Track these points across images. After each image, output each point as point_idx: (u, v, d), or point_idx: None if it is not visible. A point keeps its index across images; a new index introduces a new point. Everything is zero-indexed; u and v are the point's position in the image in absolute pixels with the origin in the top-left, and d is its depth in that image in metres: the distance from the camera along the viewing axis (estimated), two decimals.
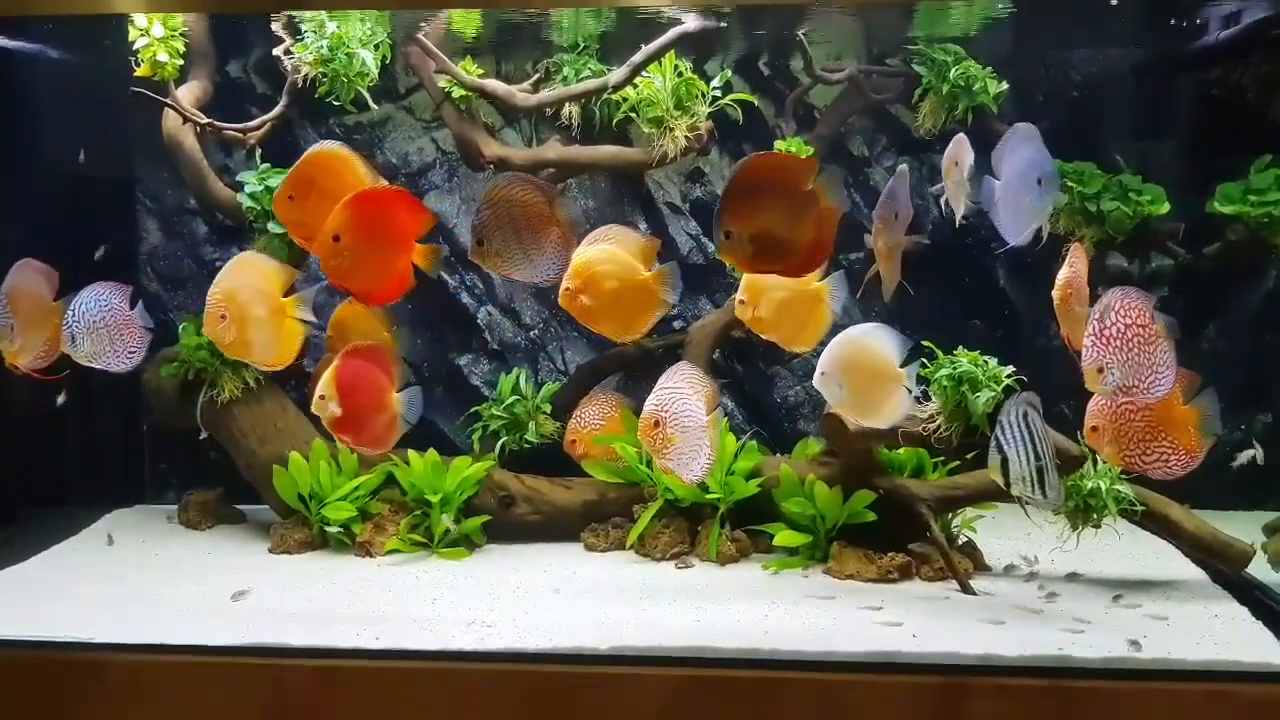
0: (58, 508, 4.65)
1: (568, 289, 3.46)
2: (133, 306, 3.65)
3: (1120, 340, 3.19)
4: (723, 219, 3.01)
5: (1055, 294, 3.52)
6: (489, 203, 3.46)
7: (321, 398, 3.48)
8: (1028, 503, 3.22)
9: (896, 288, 3.46)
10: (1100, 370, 3.21)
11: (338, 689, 3.14)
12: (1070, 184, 4.07)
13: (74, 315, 3.56)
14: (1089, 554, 3.81)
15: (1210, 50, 4.36)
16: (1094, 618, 3.40)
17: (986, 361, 3.63)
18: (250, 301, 3.57)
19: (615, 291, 3.45)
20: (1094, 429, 3.44)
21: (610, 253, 3.45)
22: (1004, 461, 3.14)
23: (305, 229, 3.61)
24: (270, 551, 4.16)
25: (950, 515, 3.92)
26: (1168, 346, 3.20)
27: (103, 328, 3.56)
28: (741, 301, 3.64)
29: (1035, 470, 3.11)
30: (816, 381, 3.41)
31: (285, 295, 3.65)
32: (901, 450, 3.99)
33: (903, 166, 3.38)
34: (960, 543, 3.94)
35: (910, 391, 3.38)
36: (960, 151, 3.45)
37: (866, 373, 3.38)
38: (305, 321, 3.64)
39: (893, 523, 3.83)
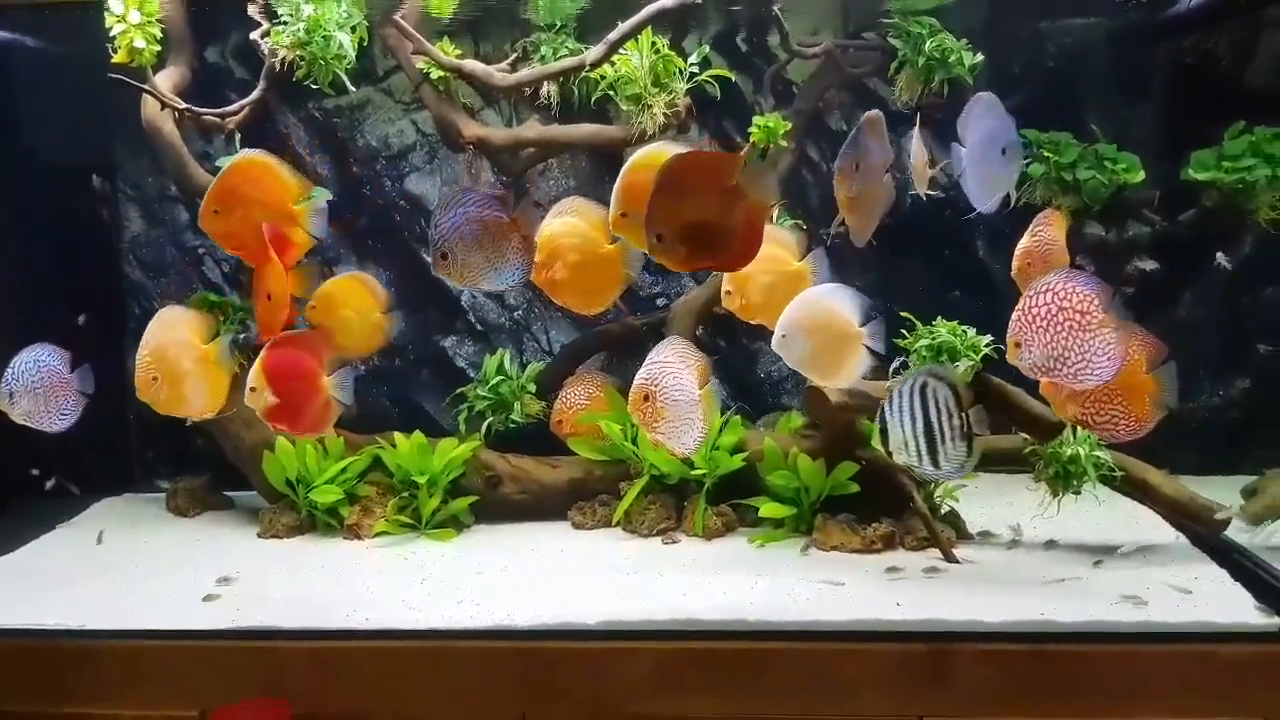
0: (47, 497, 4.65)
1: (536, 263, 3.47)
2: (72, 370, 3.68)
3: (1046, 321, 3.14)
4: (652, 223, 2.99)
5: (1015, 263, 3.54)
6: (446, 216, 3.43)
7: (253, 389, 3.48)
8: (917, 471, 3.24)
9: (864, 234, 3.42)
10: (1018, 345, 3.20)
11: (330, 670, 3.17)
12: (1046, 154, 4.09)
13: (13, 374, 3.62)
14: (1069, 520, 3.86)
15: (1183, 17, 4.38)
16: (1075, 583, 3.45)
17: (965, 331, 3.67)
18: (178, 357, 3.59)
19: (578, 264, 3.45)
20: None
21: (573, 225, 3.44)
22: (884, 430, 3.18)
23: (235, 240, 3.61)
24: (259, 536, 4.18)
25: (932, 485, 3.97)
26: (1112, 338, 3.12)
27: (39, 389, 3.62)
28: (728, 292, 3.62)
29: (925, 441, 3.13)
30: (775, 344, 3.40)
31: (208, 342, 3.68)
32: None
33: (873, 112, 3.33)
34: (943, 512, 3.98)
35: (871, 350, 3.37)
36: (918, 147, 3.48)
37: (825, 333, 3.37)
38: (232, 364, 3.69)
39: (876, 494, 3.88)
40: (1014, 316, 3.20)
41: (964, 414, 3.14)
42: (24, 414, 3.63)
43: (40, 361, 3.63)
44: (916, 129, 3.51)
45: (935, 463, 3.15)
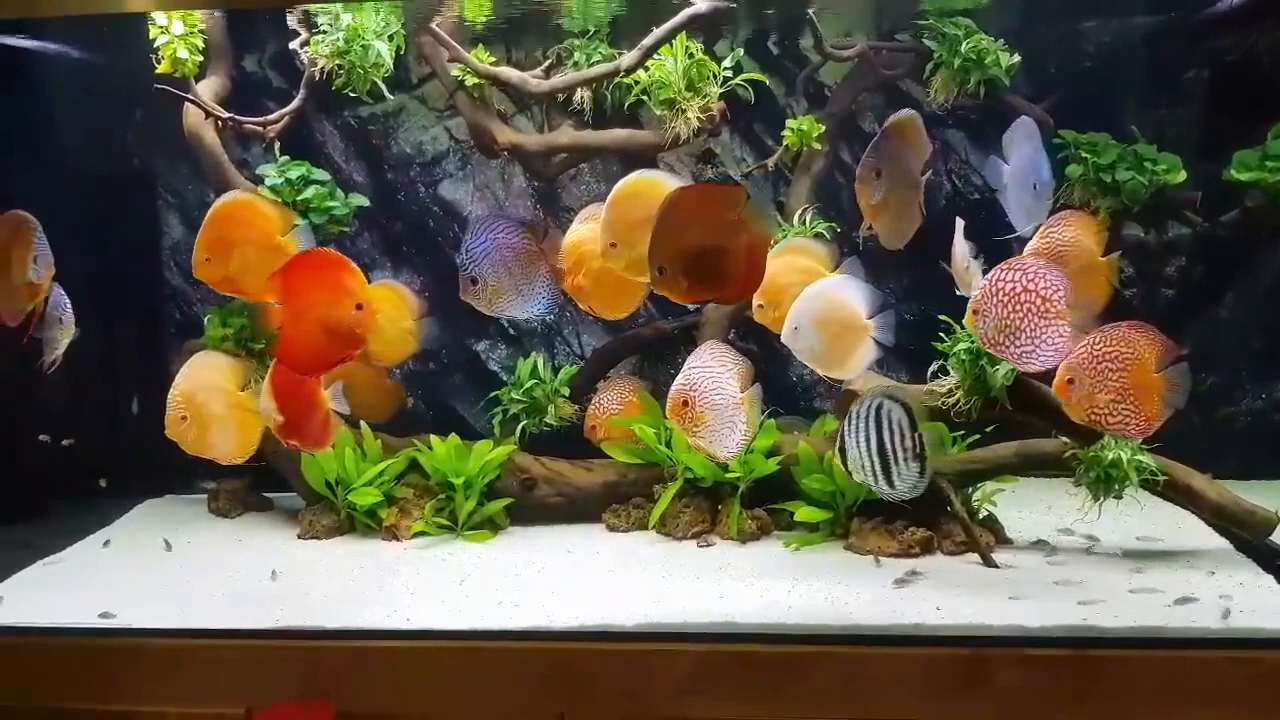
0: (90, 499, 4.72)
1: (562, 269, 3.49)
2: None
3: (1008, 297, 3.23)
4: (654, 255, 3.00)
5: None
6: (476, 241, 3.44)
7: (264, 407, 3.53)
8: (875, 490, 3.30)
9: (896, 239, 3.41)
10: (976, 313, 3.28)
11: (370, 670, 3.19)
12: (1085, 155, 4.05)
13: (55, 297, 3.60)
14: (1111, 524, 3.82)
15: (1225, 16, 4.33)
16: (1117, 588, 3.42)
17: None
18: (208, 400, 3.61)
19: (600, 270, 3.44)
20: (1069, 381, 3.43)
21: (597, 231, 3.45)
22: (844, 450, 3.23)
23: (232, 285, 3.61)
24: (299, 537, 4.22)
25: (970, 489, 3.94)
26: (1065, 332, 3.22)
27: (56, 322, 3.60)
28: (760, 306, 3.63)
29: (879, 461, 3.19)
30: (785, 336, 3.42)
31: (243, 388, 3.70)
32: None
33: (902, 114, 3.30)
34: (981, 516, 3.95)
35: (878, 342, 3.38)
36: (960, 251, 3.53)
37: (833, 325, 3.39)
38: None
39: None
40: (980, 285, 3.27)
41: (916, 435, 3.19)
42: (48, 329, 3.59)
43: (64, 301, 3.61)
44: (960, 231, 3.52)
45: (890, 482, 3.21)
